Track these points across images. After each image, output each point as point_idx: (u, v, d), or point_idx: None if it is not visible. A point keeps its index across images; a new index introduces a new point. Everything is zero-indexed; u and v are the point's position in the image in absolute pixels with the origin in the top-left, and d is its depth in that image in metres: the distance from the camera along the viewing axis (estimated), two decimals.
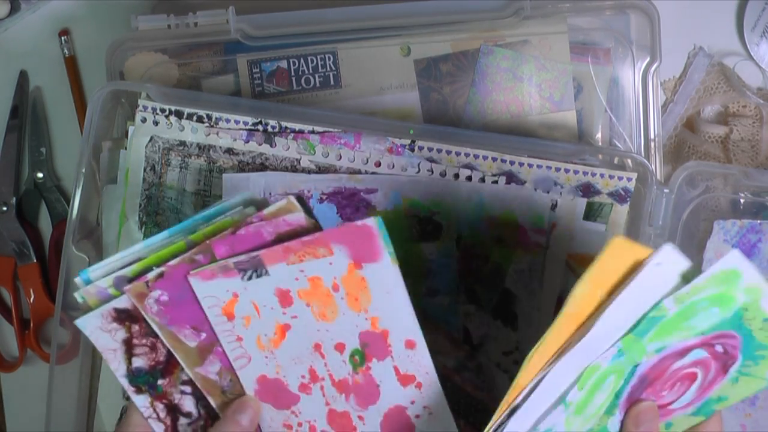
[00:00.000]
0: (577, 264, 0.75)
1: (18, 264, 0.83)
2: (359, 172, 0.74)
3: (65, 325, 0.77)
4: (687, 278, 0.56)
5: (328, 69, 0.78)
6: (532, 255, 0.74)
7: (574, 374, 0.58)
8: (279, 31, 0.76)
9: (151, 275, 0.59)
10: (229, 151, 0.75)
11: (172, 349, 0.61)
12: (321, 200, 0.74)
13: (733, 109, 0.82)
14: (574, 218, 0.74)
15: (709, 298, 0.57)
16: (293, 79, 0.78)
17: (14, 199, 0.83)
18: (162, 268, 0.59)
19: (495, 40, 0.78)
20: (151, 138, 0.75)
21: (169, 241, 0.60)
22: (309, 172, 0.74)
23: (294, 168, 0.74)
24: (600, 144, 0.78)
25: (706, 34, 0.82)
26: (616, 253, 0.56)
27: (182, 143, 0.75)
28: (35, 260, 0.83)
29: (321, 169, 0.74)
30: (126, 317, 0.60)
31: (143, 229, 0.76)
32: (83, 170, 0.74)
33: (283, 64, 0.78)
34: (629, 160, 0.75)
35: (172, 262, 0.59)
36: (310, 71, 0.78)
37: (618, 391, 0.60)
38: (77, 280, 0.61)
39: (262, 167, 0.74)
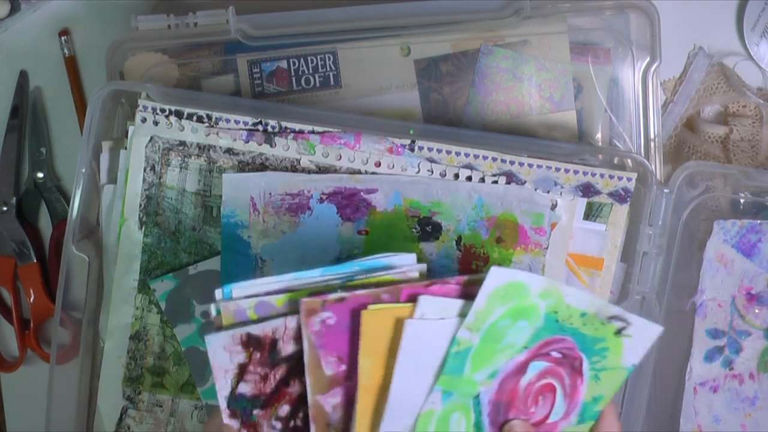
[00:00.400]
0: (577, 264, 0.75)
1: (18, 264, 0.83)
2: (359, 172, 0.74)
3: (65, 325, 0.77)
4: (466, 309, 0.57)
5: (328, 69, 0.78)
6: (532, 255, 0.74)
7: (406, 429, 0.58)
8: (279, 31, 0.76)
9: (331, 297, 0.58)
10: (229, 151, 0.75)
11: (306, 371, 0.60)
12: (321, 200, 0.74)
13: (733, 109, 0.82)
14: (574, 218, 0.74)
15: (507, 316, 0.58)
16: (293, 79, 0.78)
17: (14, 199, 0.83)
18: (345, 294, 0.58)
19: (495, 40, 0.78)
20: (151, 138, 0.75)
21: (322, 281, 0.60)
22: (309, 172, 0.74)
23: (294, 168, 0.74)
24: (600, 144, 0.78)
25: (706, 34, 0.82)
26: (375, 323, 0.57)
27: (182, 143, 0.75)
28: (35, 260, 0.83)
29: (321, 169, 0.74)
30: (254, 344, 0.60)
31: (143, 229, 0.76)
32: (83, 170, 0.74)
33: (283, 64, 0.78)
34: (629, 160, 0.75)
35: (359, 292, 0.58)
36: (310, 71, 0.78)
37: (476, 422, 0.60)
38: (218, 292, 0.60)
39: (262, 167, 0.74)
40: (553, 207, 0.74)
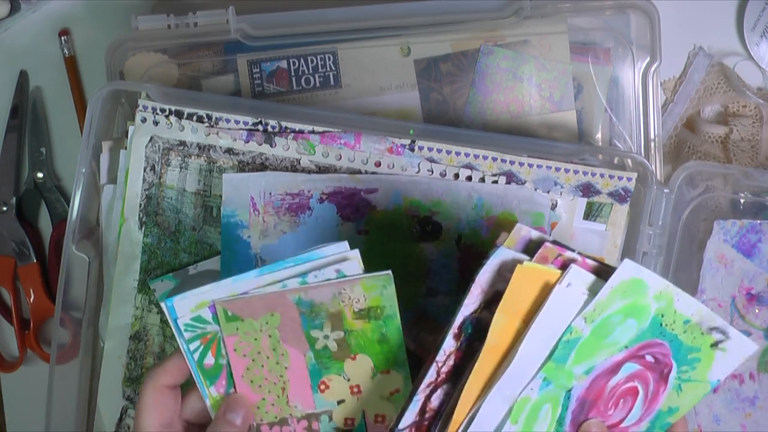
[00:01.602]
0: None
1: (18, 264, 0.83)
2: (359, 172, 0.74)
3: (65, 325, 0.77)
4: (594, 294, 0.57)
5: (328, 69, 0.78)
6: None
7: (505, 408, 0.58)
8: (279, 31, 0.76)
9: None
10: (229, 151, 0.75)
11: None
12: (321, 200, 0.74)
13: (733, 109, 0.82)
14: (574, 218, 0.74)
15: (620, 312, 0.58)
16: (293, 79, 0.78)
17: (14, 199, 0.83)
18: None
19: (495, 40, 0.78)
20: (151, 138, 0.75)
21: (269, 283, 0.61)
22: (309, 172, 0.74)
23: (294, 168, 0.74)
24: (600, 144, 0.78)
25: (706, 34, 0.82)
26: (525, 280, 0.57)
27: (182, 143, 0.75)
28: (35, 260, 0.83)
29: (321, 169, 0.74)
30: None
31: (143, 229, 0.76)
32: (83, 170, 0.74)
33: (283, 64, 0.78)
34: (629, 160, 0.75)
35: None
36: (310, 71, 0.78)
37: (560, 417, 0.60)
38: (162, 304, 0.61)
39: (262, 167, 0.74)
40: (553, 207, 0.74)
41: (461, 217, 0.74)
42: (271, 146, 0.74)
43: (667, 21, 0.76)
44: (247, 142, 0.74)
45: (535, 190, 0.73)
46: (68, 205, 0.80)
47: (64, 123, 0.84)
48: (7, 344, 0.86)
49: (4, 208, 0.83)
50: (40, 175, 0.84)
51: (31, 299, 0.83)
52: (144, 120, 0.74)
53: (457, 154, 0.74)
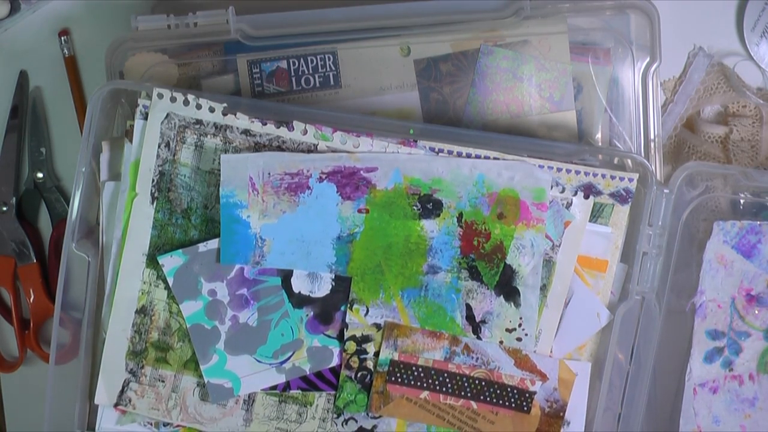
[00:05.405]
0: (581, 266, 0.75)
1: (18, 264, 0.83)
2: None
3: (65, 325, 0.77)
4: None
5: (328, 69, 0.78)
6: (534, 230, 0.74)
7: None
8: (279, 31, 0.76)
9: None
10: (246, 132, 0.74)
11: None
12: (320, 179, 0.74)
13: (733, 109, 0.82)
14: (587, 218, 0.74)
15: None
16: (293, 79, 0.78)
17: (14, 199, 0.83)
18: None
19: (495, 40, 0.78)
20: (167, 114, 0.74)
21: None
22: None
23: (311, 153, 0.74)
24: (600, 144, 0.78)
25: (706, 34, 0.82)
26: None
27: (198, 122, 0.74)
28: (35, 260, 0.83)
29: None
30: None
31: (155, 204, 0.75)
32: (83, 170, 0.74)
33: (283, 64, 0.78)
34: (629, 160, 0.75)
35: None
36: (310, 71, 0.78)
37: None
38: None
39: (279, 151, 0.74)
40: (568, 206, 0.74)
41: (462, 194, 0.74)
42: (288, 129, 0.74)
43: (667, 21, 0.76)
44: (264, 124, 0.74)
45: (540, 167, 0.73)
46: (68, 205, 0.80)
47: (64, 123, 0.84)
48: (7, 344, 0.86)
49: (4, 208, 0.83)
50: (40, 175, 0.84)
51: (31, 299, 0.83)
52: (161, 96, 0.74)
53: (459, 154, 0.73)
